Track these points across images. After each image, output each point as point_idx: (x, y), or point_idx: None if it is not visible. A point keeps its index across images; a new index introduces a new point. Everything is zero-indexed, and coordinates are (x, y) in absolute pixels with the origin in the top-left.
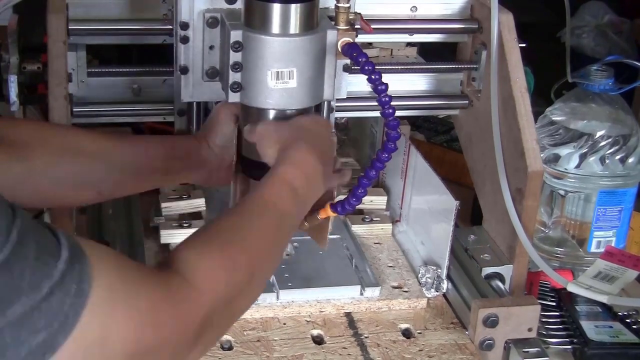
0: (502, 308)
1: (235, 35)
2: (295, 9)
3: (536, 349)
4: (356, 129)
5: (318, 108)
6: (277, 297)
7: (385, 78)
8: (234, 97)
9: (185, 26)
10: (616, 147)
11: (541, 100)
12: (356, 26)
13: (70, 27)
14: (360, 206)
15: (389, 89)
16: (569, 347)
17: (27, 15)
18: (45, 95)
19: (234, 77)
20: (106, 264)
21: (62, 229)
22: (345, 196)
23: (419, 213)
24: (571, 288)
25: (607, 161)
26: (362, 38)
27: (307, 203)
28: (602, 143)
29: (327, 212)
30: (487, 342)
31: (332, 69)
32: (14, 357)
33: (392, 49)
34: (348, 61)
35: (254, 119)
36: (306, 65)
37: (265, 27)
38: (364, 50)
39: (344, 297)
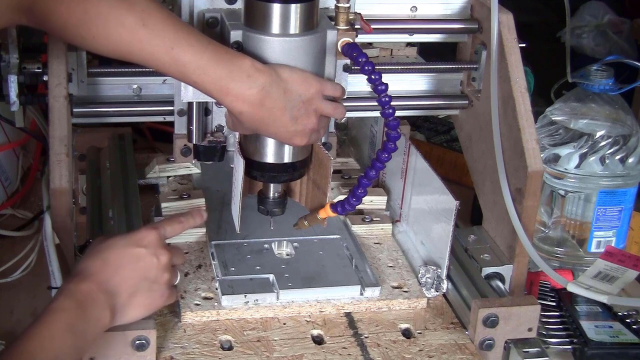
0: (502, 308)
1: (235, 35)
2: (295, 9)
3: (536, 349)
4: (356, 129)
5: None
6: (277, 297)
7: (385, 78)
8: None
9: None
10: (616, 147)
11: (541, 100)
12: (356, 26)
13: None
14: (360, 206)
15: (389, 89)
16: (569, 347)
17: None
18: (45, 95)
19: None
20: None
21: None
22: (345, 196)
23: (419, 213)
24: (571, 288)
25: (607, 161)
26: (362, 38)
27: (86, 335)
28: (602, 143)
29: (328, 212)
30: (487, 342)
31: (332, 69)
32: None
33: (392, 49)
34: (348, 61)
35: None
36: (306, 65)
37: (265, 27)
38: (364, 50)
39: (344, 297)
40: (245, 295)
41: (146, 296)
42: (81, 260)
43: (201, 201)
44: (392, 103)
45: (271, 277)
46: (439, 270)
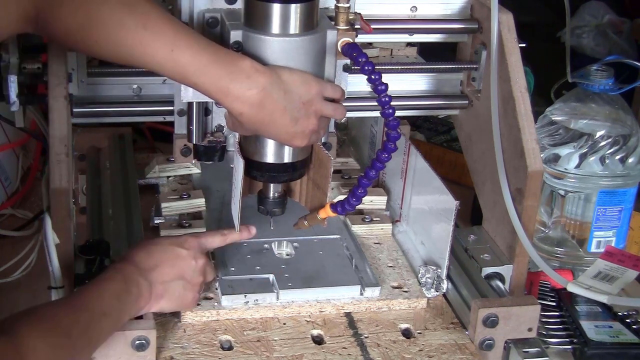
0: (502, 308)
1: (235, 35)
2: (295, 9)
3: (536, 349)
4: (356, 129)
5: None
6: (277, 297)
7: (385, 78)
8: None
9: None
10: (616, 147)
11: (541, 100)
12: (356, 26)
13: None
14: (360, 206)
15: (389, 89)
16: (569, 347)
17: None
18: (45, 95)
19: None
20: None
21: None
22: (345, 196)
23: (419, 213)
24: (571, 288)
25: (607, 161)
26: (362, 38)
27: (126, 307)
28: (602, 143)
29: (328, 212)
30: (487, 342)
31: (332, 69)
32: None
33: (392, 49)
34: (348, 61)
35: None
36: (306, 65)
37: (265, 27)
38: (364, 50)
39: (344, 297)
40: (245, 295)
41: (178, 292)
42: (129, 250)
43: (201, 201)
44: (392, 103)
45: (271, 277)
46: (439, 270)
